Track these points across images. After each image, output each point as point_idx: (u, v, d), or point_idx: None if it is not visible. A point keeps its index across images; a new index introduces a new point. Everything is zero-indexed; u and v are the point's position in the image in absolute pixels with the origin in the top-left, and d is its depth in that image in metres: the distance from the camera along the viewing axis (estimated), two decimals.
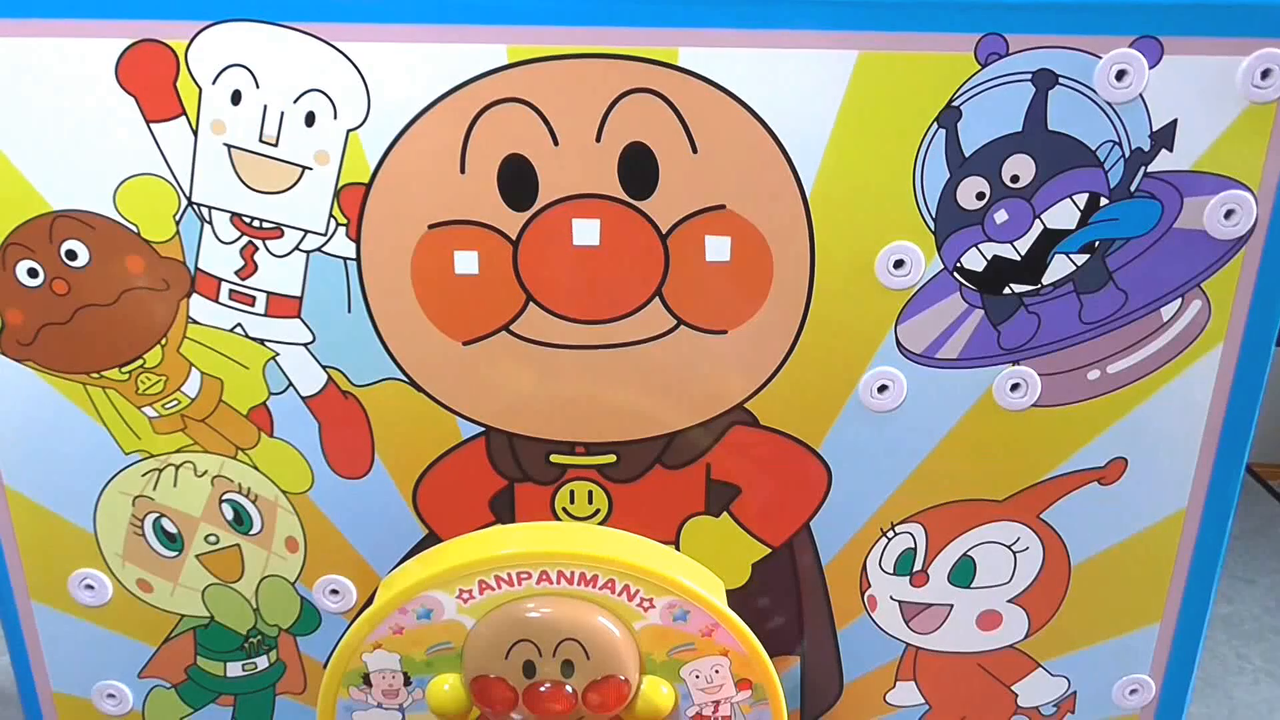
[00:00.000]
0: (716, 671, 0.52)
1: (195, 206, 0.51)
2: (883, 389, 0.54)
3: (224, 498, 0.57)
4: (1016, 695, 0.61)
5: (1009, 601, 0.59)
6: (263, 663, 0.61)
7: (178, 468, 0.57)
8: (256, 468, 0.56)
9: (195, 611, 0.60)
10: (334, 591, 0.59)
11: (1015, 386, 0.54)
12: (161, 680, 0.62)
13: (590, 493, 0.56)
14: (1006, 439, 0.55)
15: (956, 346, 0.53)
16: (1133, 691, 0.60)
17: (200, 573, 0.59)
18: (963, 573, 0.58)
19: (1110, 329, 0.53)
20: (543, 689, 0.50)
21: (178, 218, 0.51)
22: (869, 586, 0.58)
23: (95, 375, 0.55)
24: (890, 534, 0.57)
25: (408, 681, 0.52)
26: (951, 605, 0.59)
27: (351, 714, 0.53)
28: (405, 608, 0.50)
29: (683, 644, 0.51)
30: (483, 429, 0.55)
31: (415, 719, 0.53)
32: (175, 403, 0.55)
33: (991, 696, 0.61)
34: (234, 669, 0.61)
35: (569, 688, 0.50)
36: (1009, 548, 0.57)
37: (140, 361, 0.54)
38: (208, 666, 0.61)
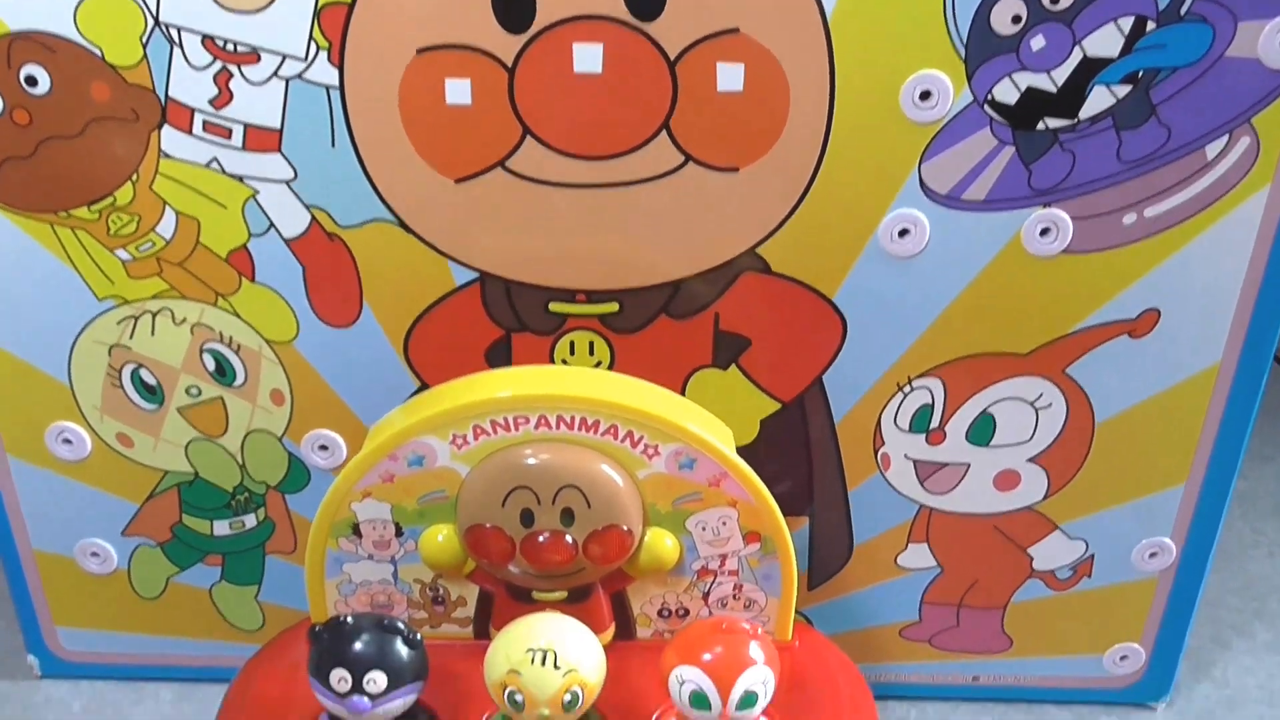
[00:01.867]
0: (724, 523, 0.49)
1: (163, 27, 0.47)
2: (904, 233, 0.50)
3: (205, 347, 0.54)
4: (1032, 558, 0.59)
5: (1028, 461, 0.56)
6: (250, 521, 0.59)
7: (155, 315, 0.54)
8: (238, 315, 0.53)
9: (179, 467, 0.57)
10: (323, 447, 0.56)
11: (1045, 231, 0.50)
12: (146, 538, 0.60)
13: (591, 343, 0.53)
14: (1033, 288, 0.51)
15: (984, 187, 0.50)
16: (1152, 555, 0.58)
17: (182, 427, 0.56)
18: (981, 430, 0.55)
19: (1150, 169, 0.49)
20: (541, 539, 0.47)
21: (145, 39, 0.47)
22: (883, 444, 0.56)
23: (63, 215, 0.51)
24: (907, 389, 0.54)
25: (399, 532, 0.50)
26: (968, 465, 0.56)
27: (341, 566, 0.50)
28: (396, 453, 0.47)
29: (688, 494, 0.48)
30: (477, 275, 0.52)
31: (408, 571, 0.51)
32: (150, 245, 0.52)
33: (1006, 559, 0.59)
34: (221, 527, 0.59)
35: (569, 538, 0.48)
36: (1031, 404, 0.55)
37: (110, 199, 0.51)
38: (194, 525, 0.59)
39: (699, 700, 0.44)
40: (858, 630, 0.61)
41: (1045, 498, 0.57)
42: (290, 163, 0.50)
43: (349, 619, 0.45)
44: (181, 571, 0.61)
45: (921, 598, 0.60)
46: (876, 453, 0.56)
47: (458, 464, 0.48)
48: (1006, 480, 0.57)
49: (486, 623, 0.52)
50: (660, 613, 0.52)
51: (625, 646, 0.51)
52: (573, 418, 0.47)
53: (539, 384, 0.47)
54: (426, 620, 0.52)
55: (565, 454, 0.47)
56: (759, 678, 0.44)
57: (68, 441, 0.56)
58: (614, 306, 0.52)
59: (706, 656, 0.44)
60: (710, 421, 0.49)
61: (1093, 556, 0.59)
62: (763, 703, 0.45)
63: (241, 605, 0.62)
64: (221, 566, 0.60)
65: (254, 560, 0.60)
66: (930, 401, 0.55)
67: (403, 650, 0.45)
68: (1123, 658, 0.62)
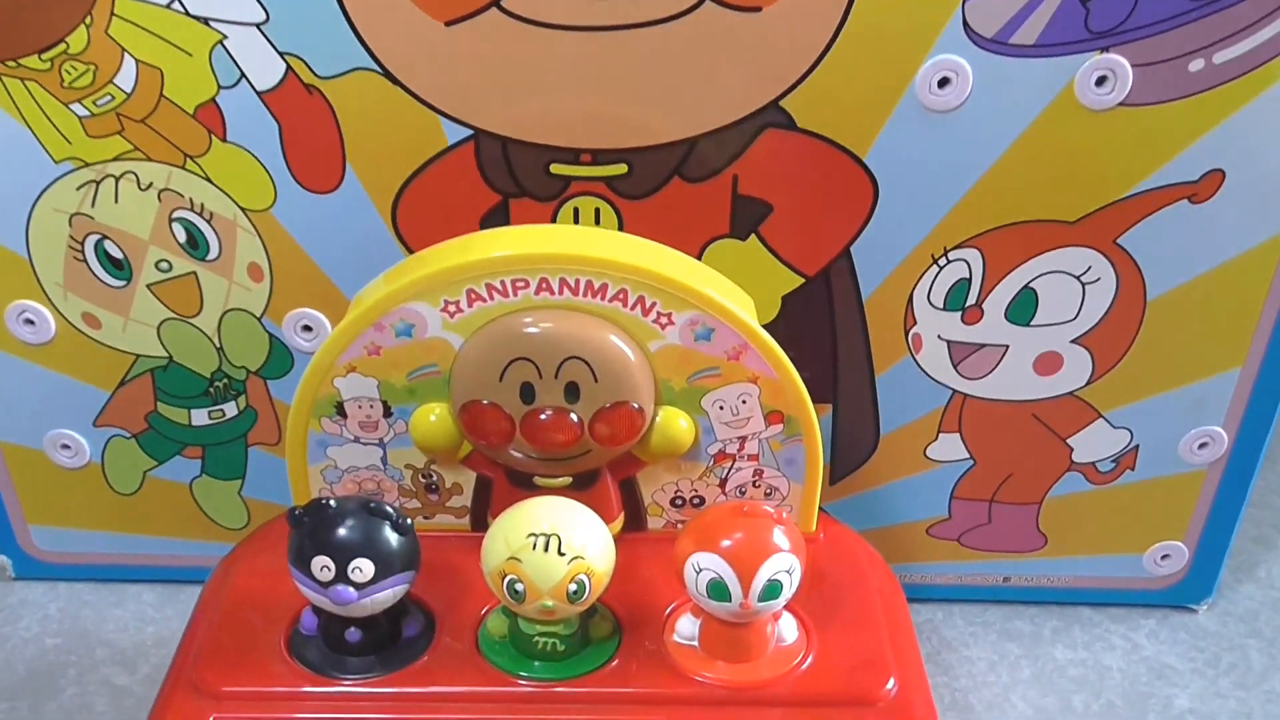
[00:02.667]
0: (743, 401, 0.45)
1: None
2: (944, 83, 0.45)
3: (174, 216, 0.50)
4: (1072, 449, 0.55)
5: (1072, 342, 0.52)
6: (231, 410, 0.55)
7: (118, 179, 0.49)
8: (209, 179, 0.49)
9: (151, 351, 0.53)
10: (306, 328, 0.52)
11: (1102, 80, 0.45)
12: (120, 429, 0.56)
13: (597, 210, 0.48)
14: (1086, 145, 0.47)
15: (1035, 29, 0.44)
16: (1202, 446, 0.54)
17: (153, 305, 0.52)
18: (1022, 308, 0.51)
19: (1222, 5, 0.44)
20: (543, 417, 0.43)
21: None
22: (914, 324, 0.51)
23: (11, 65, 0.46)
24: (943, 261, 0.50)
25: (388, 412, 0.45)
26: (1006, 346, 0.52)
27: (325, 450, 0.46)
28: (381, 322, 0.43)
29: (705, 369, 0.44)
30: (471, 132, 0.47)
31: (398, 456, 0.47)
32: (108, 98, 0.47)
33: (1044, 450, 0.55)
34: (199, 417, 0.55)
35: (573, 416, 0.43)
36: (1078, 278, 0.50)
37: (63, 46, 0.46)
38: (170, 414, 0.55)
39: (717, 590, 0.40)
40: (882, 528, 0.57)
41: (1088, 383, 0.53)
42: (261, 3, 0.44)
43: (332, 501, 0.41)
44: (159, 465, 0.57)
45: (951, 493, 0.56)
46: (907, 333, 0.52)
47: (450, 334, 0.44)
48: (1047, 363, 0.52)
49: (485, 512, 0.48)
50: (673, 501, 0.48)
51: (635, 538, 0.47)
52: (577, 281, 0.42)
53: (540, 242, 0.43)
54: (420, 510, 0.48)
55: (569, 322, 0.43)
56: (784, 566, 0.40)
57: (30, 322, 0.52)
58: (622, 168, 0.47)
59: (726, 542, 0.40)
60: (730, 289, 0.45)
61: (1137, 447, 0.55)
62: (787, 594, 0.41)
63: (224, 501, 0.58)
64: (201, 459, 0.57)
65: (236, 453, 0.56)
66: (967, 275, 0.50)
67: (391, 536, 0.41)
68: (1164, 557, 0.58)
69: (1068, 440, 0.55)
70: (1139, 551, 0.58)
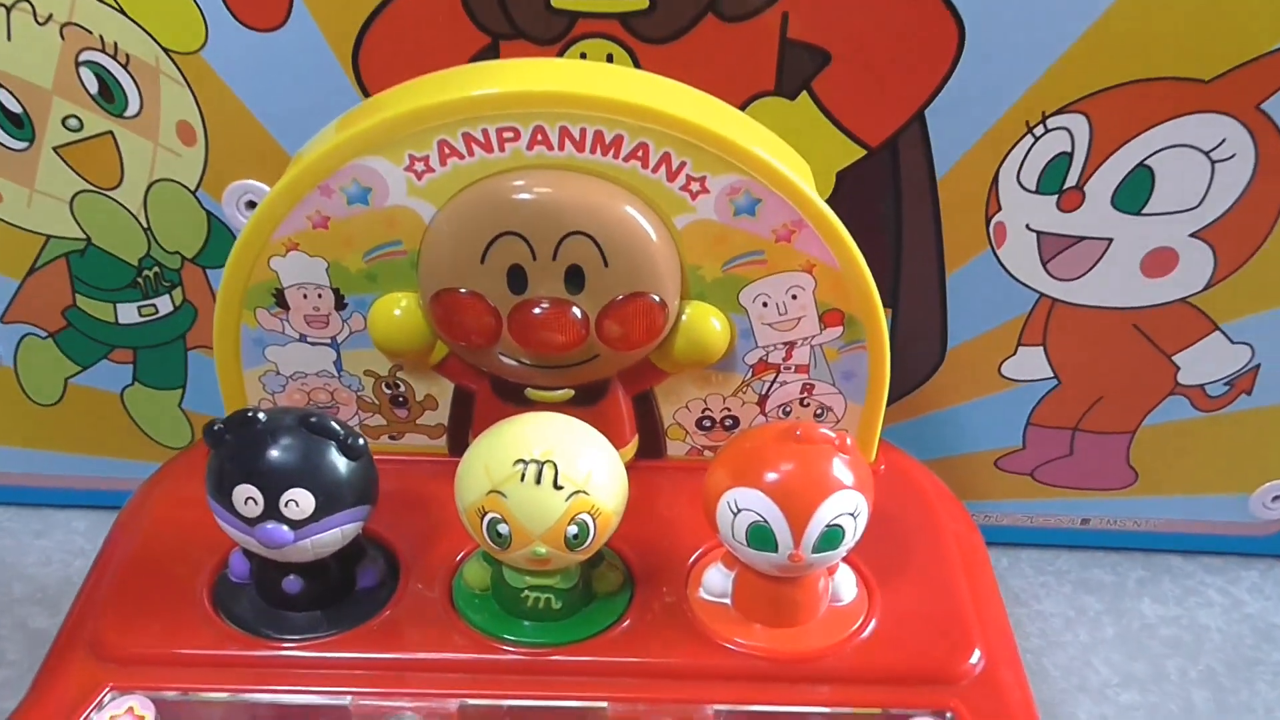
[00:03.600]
0: (793, 297, 0.36)
1: None
2: None
3: (81, 59, 0.41)
4: (1178, 368, 0.47)
5: (1192, 235, 0.43)
6: (164, 305, 0.47)
7: (9, 11, 0.41)
8: (123, 11, 0.40)
9: (64, 231, 0.45)
10: (250, 204, 0.43)
11: None
12: (33, 326, 0.48)
13: (609, 56, 0.40)
14: None
15: None
16: None
17: (63, 173, 0.44)
18: (1134, 191, 0.42)
19: None
20: (537, 311, 0.35)
21: None
22: (998, 210, 0.43)
23: None
24: (1039, 130, 0.41)
25: (341, 303, 0.37)
26: (1110, 240, 0.44)
27: (264, 350, 0.38)
28: (328, 184, 0.34)
29: (746, 253, 0.36)
30: None
31: (356, 360, 0.38)
32: None
33: (1144, 369, 0.47)
34: (127, 313, 0.48)
35: (576, 310, 0.35)
36: (1206, 154, 0.42)
37: None
38: (91, 309, 0.48)
39: (760, 537, 0.32)
40: (943, 458, 0.50)
41: (1207, 287, 0.45)
42: None
43: (260, 414, 0.32)
44: (83, 371, 0.49)
45: (1028, 419, 0.49)
46: (989, 222, 0.43)
47: (418, 202, 0.35)
48: (1159, 262, 0.44)
49: (465, 432, 0.41)
50: (700, 423, 0.41)
51: (652, 468, 0.40)
52: (583, 133, 0.34)
53: (536, 78, 0.34)
54: (385, 428, 0.41)
55: (572, 187, 0.34)
56: (847, 507, 0.32)
57: None
58: (642, 2, 0.39)
59: (772, 476, 0.32)
60: (781, 149, 0.36)
61: (1258, 368, 0.47)
62: (849, 543, 0.32)
63: (161, 414, 0.50)
64: (133, 365, 0.49)
65: (173, 357, 0.49)
66: (1068, 149, 0.42)
67: (338, 461, 0.32)
68: (1275, 498, 0.51)
69: (1174, 357, 0.47)
70: (1247, 491, 0.50)
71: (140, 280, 0.46)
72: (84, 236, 0.45)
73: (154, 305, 0.47)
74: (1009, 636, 0.36)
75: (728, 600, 0.35)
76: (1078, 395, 0.48)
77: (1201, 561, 0.52)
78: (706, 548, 0.37)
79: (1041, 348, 0.47)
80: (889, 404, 0.47)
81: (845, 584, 0.35)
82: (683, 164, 0.34)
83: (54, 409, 0.50)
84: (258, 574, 0.34)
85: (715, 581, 0.35)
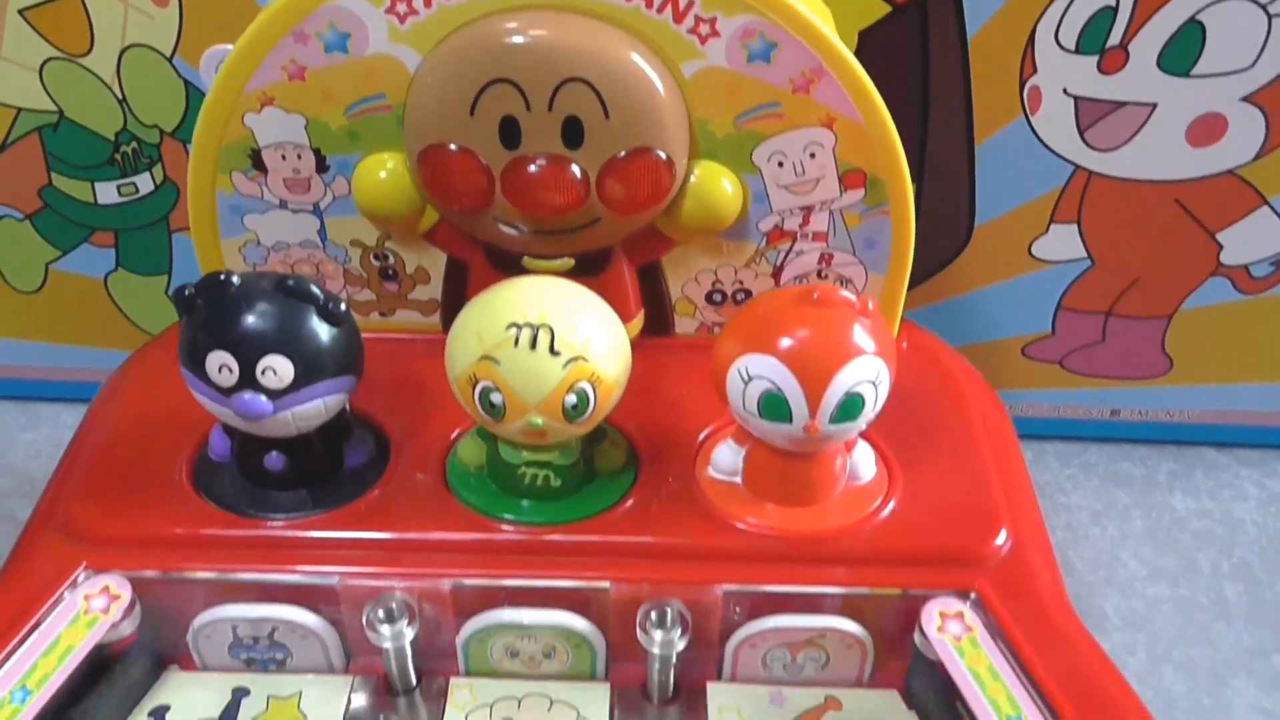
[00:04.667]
0: (811, 155, 0.33)
1: None
2: None
3: None
4: (1220, 246, 0.44)
5: (1243, 100, 0.40)
6: (145, 184, 0.45)
7: None
8: None
9: (35, 103, 0.43)
10: None
11: None
12: (8, 208, 0.46)
13: None
14: None
15: None
16: None
17: (29, 39, 0.41)
18: (1182, 50, 0.39)
19: None
20: (532, 168, 0.32)
21: None
22: (1033, 73, 0.40)
23: None
24: None
25: (323, 164, 0.34)
26: (1154, 105, 0.41)
27: (242, 218, 0.35)
28: (302, 29, 0.31)
29: (761, 105, 0.33)
30: None
31: (341, 228, 0.35)
32: None
33: (1184, 248, 0.44)
34: (106, 192, 0.45)
35: (574, 167, 0.32)
36: (1263, 8, 0.38)
37: None
38: (68, 188, 0.45)
39: (774, 407, 0.29)
40: (968, 345, 0.47)
41: (1257, 157, 0.42)
42: None
43: (234, 277, 0.29)
44: (63, 255, 0.47)
45: (1059, 302, 0.46)
46: (1023, 86, 0.40)
47: (402, 48, 0.32)
48: (1206, 129, 0.41)
49: (459, 307, 0.37)
50: (710, 297, 0.38)
51: (659, 344, 0.38)
52: None
53: None
54: (375, 304, 0.38)
55: (569, 29, 0.31)
56: (867, 374, 0.29)
57: None
58: None
59: (787, 341, 0.29)
60: None
61: None
62: (869, 413, 0.30)
63: (147, 301, 0.48)
64: (115, 249, 0.47)
65: (156, 240, 0.46)
66: (1113, 3, 0.38)
67: (318, 327, 0.30)
68: None
69: (1217, 235, 0.43)
70: None
71: (118, 157, 0.44)
72: (56, 109, 0.42)
73: (134, 184, 0.44)
74: (1038, 519, 0.33)
75: (738, 479, 0.33)
76: (1112, 277, 0.45)
77: (1236, 454, 0.50)
78: (716, 425, 0.34)
79: (1075, 225, 0.44)
80: (911, 287, 0.45)
81: (864, 462, 0.33)
82: (691, 1, 0.31)
83: (36, 296, 0.48)
84: (239, 451, 0.32)
85: (725, 459, 0.33)
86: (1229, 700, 0.40)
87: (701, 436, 0.34)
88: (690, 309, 0.38)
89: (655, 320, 0.38)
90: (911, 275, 0.44)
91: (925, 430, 0.35)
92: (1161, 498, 0.48)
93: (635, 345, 0.32)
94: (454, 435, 0.34)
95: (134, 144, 0.43)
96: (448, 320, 0.38)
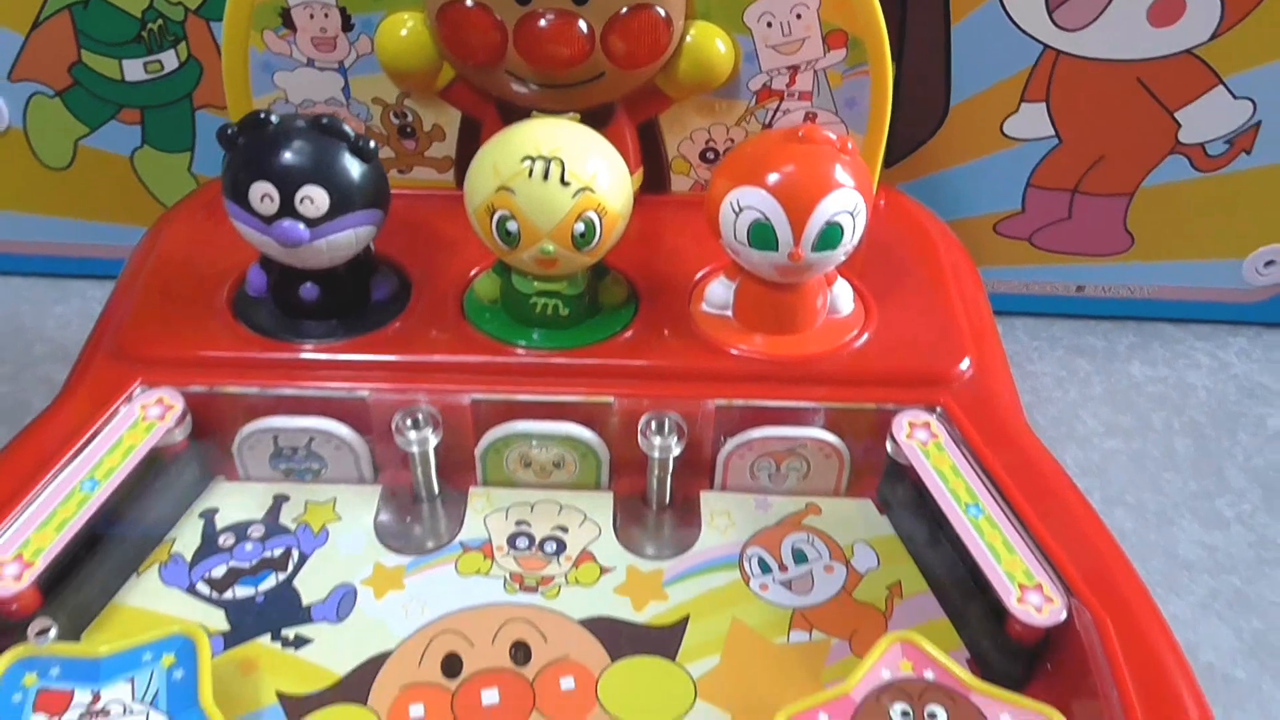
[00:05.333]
0: (798, 16, 0.36)
1: None
2: None
3: None
4: (1179, 125, 0.46)
5: None
6: (170, 61, 0.46)
7: None
8: None
9: None
10: None
11: None
12: (40, 84, 0.47)
13: None
14: None
15: None
16: None
17: None
18: None
19: None
20: (542, 22, 0.34)
21: None
22: None
23: None
24: None
25: (347, 24, 0.37)
26: None
27: (273, 75, 0.37)
28: None
29: None
30: None
31: (364, 86, 0.38)
32: None
33: (1145, 126, 0.46)
34: (133, 69, 0.47)
35: (581, 23, 0.34)
36: None
37: None
38: (97, 65, 0.47)
39: (761, 235, 0.32)
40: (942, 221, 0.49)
41: (1212, 37, 0.44)
42: None
43: (274, 115, 0.32)
44: (91, 132, 0.49)
45: (1028, 180, 0.49)
46: None
47: None
48: (1166, 9, 0.43)
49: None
50: (703, 155, 0.41)
51: (657, 201, 0.40)
52: None
53: None
54: (394, 162, 0.41)
55: None
56: (846, 205, 0.32)
57: None
58: None
59: (774, 176, 0.32)
60: None
61: (1258, 125, 0.46)
62: (848, 243, 0.33)
63: (172, 178, 0.50)
64: (141, 125, 0.49)
65: (180, 116, 0.48)
66: None
67: (349, 162, 0.32)
68: (1268, 264, 0.50)
69: (1176, 114, 0.46)
70: (1239, 256, 0.50)
71: (144, 34, 0.45)
72: None
73: (159, 61, 0.46)
74: (999, 351, 0.36)
75: (729, 312, 0.35)
76: (1078, 154, 0.47)
77: (1191, 329, 0.53)
78: (710, 268, 0.37)
79: (1044, 104, 0.46)
80: (889, 165, 0.48)
81: (843, 297, 0.35)
82: None
83: (65, 173, 0.50)
84: (275, 284, 0.35)
85: (717, 294, 0.35)
86: (1174, 536, 0.44)
87: (696, 277, 0.37)
88: (685, 167, 0.40)
89: (653, 178, 0.40)
90: (890, 154, 0.47)
91: (899, 273, 0.37)
92: (1120, 366, 0.51)
93: (635, 200, 0.34)
94: (472, 273, 0.37)
95: (160, 21, 0.45)
96: (461, 177, 0.40)
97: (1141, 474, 0.46)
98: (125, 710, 0.27)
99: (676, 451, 0.33)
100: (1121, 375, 0.50)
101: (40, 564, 0.29)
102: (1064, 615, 0.28)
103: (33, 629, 0.28)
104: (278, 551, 0.33)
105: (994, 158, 0.47)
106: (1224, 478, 0.46)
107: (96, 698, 0.27)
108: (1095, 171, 0.48)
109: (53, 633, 0.28)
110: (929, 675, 0.28)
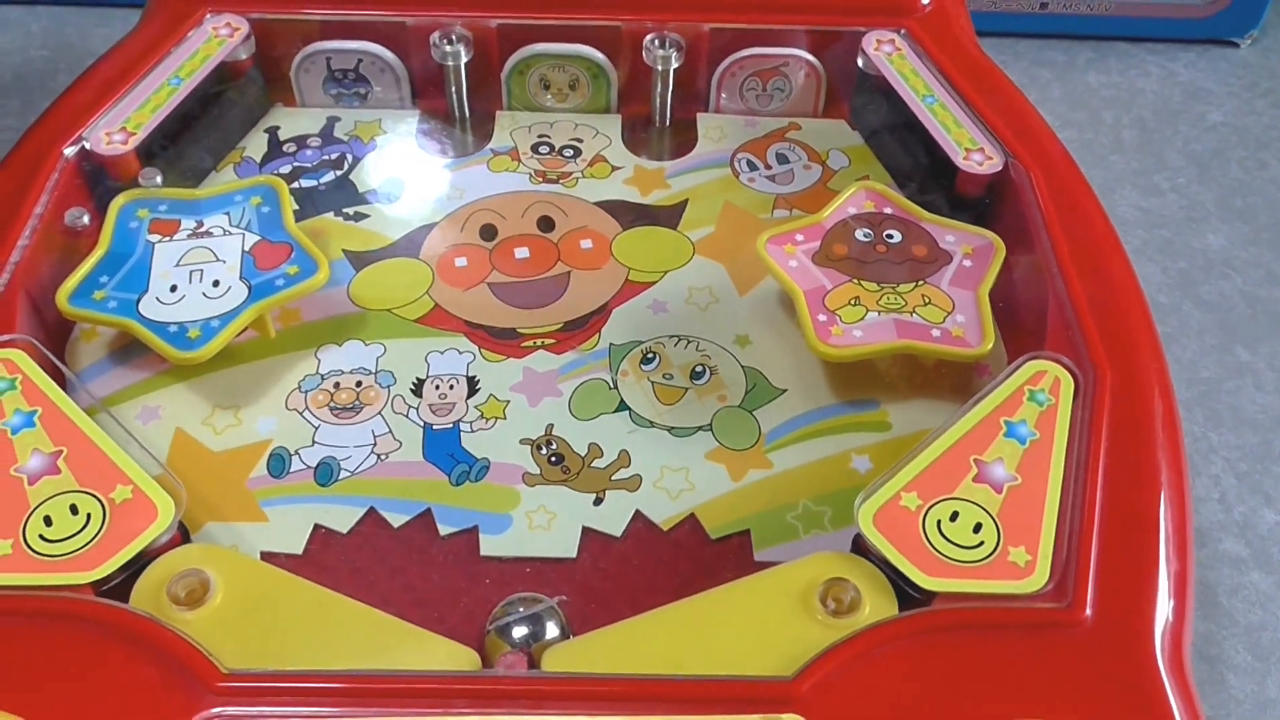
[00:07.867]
0: None
1: None
2: None
3: None
4: None
5: None
6: None
7: None
8: None
9: None
10: None
11: None
12: None
13: None
14: None
15: None
16: None
17: None
18: None
19: None
20: None
21: None
22: None
23: None
24: None
25: None
26: None
27: None
28: None
29: None
30: None
31: None
32: None
33: None
34: None
35: None
36: None
37: None
38: None
39: None
40: None
41: None
42: None
43: None
44: None
45: None
46: None
47: None
48: None
49: None
50: None
51: None
52: None
53: None
54: None
55: None
56: None
57: None
58: None
59: None
60: None
61: None
62: None
63: None
64: None
65: None
66: None
67: None
68: None
69: None
70: None
71: None
72: None
73: None
74: None
75: None
76: None
77: (1146, 46, 0.57)
78: None
79: None
80: None
81: None
82: None
83: None
84: None
85: None
86: (1115, 202, 0.49)
87: None
88: None
89: None
90: None
91: None
92: (1078, 75, 0.56)
93: None
94: None
95: None
96: None
97: (1090, 156, 0.51)
98: (224, 232, 0.32)
99: (675, 64, 0.38)
100: (1078, 83, 0.55)
101: (141, 134, 0.34)
102: (1001, 165, 0.34)
103: (143, 177, 0.33)
104: (334, 155, 0.38)
105: None
106: (1163, 158, 0.51)
107: (200, 224, 0.33)
108: None
109: (159, 178, 0.33)
110: (888, 210, 0.34)
